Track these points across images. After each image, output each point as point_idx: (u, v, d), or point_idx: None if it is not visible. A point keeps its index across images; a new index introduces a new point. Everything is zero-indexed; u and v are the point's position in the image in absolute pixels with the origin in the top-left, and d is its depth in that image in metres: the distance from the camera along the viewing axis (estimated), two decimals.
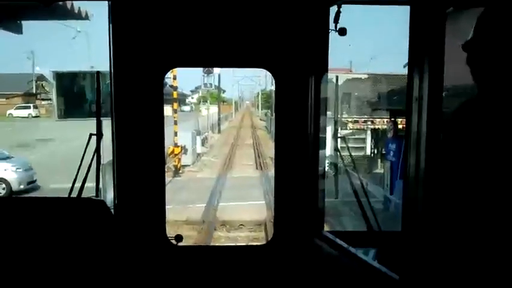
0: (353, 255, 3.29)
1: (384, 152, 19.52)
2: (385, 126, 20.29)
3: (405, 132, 2.61)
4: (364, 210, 4.14)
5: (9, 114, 50.82)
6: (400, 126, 16.09)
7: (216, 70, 37.80)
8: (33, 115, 51.13)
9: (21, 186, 19.81)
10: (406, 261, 2.61)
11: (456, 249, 2.26)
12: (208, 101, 50.51)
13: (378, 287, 2.95)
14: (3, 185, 19.86)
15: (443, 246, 2.35)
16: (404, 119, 2.69)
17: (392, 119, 17.42)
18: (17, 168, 20.15)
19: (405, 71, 2.61)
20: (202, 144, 34.05)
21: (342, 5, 3.55)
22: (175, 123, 26.88)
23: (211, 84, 39.20)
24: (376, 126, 22.68)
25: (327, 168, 4.15)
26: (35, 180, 20.54)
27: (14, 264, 3.54)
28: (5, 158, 20.95)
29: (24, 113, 51.02)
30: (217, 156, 32.42)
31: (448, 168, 2.34)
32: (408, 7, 2.55)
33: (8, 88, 53.37)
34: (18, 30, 6.48)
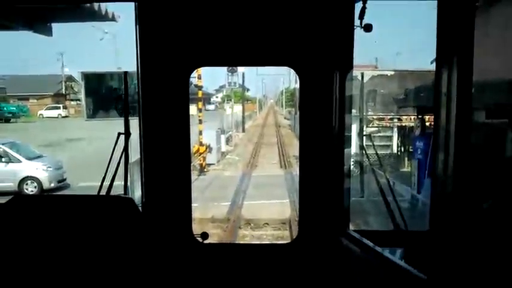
0: (379, 255, 3.24)
1: (410, 150, 19.15)
2: (411, 124, 19.90)
3: (433, 129, 2.56)
4: (391, 209, 4.09)
5: (39, 114, 52.34)
6: (427, 124, 15.74)
7: (240, 69, 37.93)
8: (63, 115, 52.51)
9: (52, 185, 20.38)
10: (434, 260, 2.56)
11: (485, 250, 2.21)
12: (232, 100, 50.68)
13: (404, 286, 2.91)
14: (35, 183, 20.49)
15: (472, 246, 2.30)
16: (432, 117, 2.64)
17: (420, 116, 17.06)
18: (48, 167, 20.75)
19: (433, 67, 2.56)
20: (227, 142, 34.21)
21: (368, 1, 3.51)
22: (200, 122, 27.11)
23: (235, 83, 39.31)
24: (403, 124, 22.26)
25: (352, 167, 4.11)
26: (65, 179, 21.10)
27: (45, 259, 3.65)
28: (36, 157, 21.62)
29: (54, 113, 52.44)
30: (241, 154, 32.51)
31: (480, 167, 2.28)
32: (435, 1, 2.50)
33: (39, 89, 55.00)
34: (48, 32, 6.66)
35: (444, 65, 2.41)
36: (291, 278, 3.86)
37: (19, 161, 20.68)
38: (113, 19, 6.75)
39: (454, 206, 2.39)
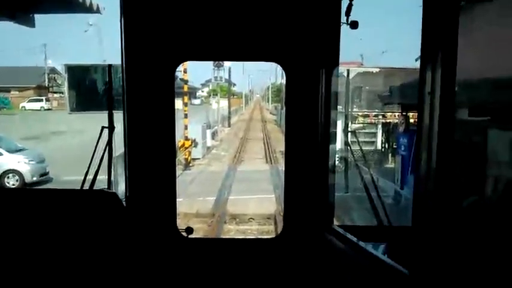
0: (363, 250, 3.28)
1: (395, 147, 19.39)
2: (396, 121, 20.13)
3: (417, 126, 2.59)
4: (375, 204, 4.13)
5: (22, 107, 51.45)
6: (411, 121, 15.94)
7: (227, 63, 37.82)
8: (46, 108, 51.67)
9: (34, 178, 20.08)
10: (416, 256, 2.60)
11: (467, 245, 2.25)
12: (218, 95, 50.55)
13: (387, 281, 2.95)
14: (17, 177, 20.15)
15: (454, 241, 2.34)
16: (416, 113, 2.67)
17: (404, 113, 17.26)
18: (30, 160, 20.42)
19: (418, 65, 2.58)
20: (213, 137, 34.12)
21: None
22: (186, 116, 26.97)
23: (221, 77, 39.20)
24: (388, 121, 22.50)
25: (337, 163, 4.15)
26: (48, 172, 20.80)
27: (28, 254, 3.60)
28: (18, 150, 21.25)
29: (36, 105, 51.58)
30: (227, 149, 32.47)
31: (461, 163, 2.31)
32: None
33: (21, 81, 53.98)
34: (31, 23, 6.52)
35: (428, 63, 2.44)
36: (276, 273, 3.88)
37: (0, 154, 20.31)
38: (98, 11, 6.65)
39: (437, 202, 2.43)
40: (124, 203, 3.81)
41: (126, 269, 3.64)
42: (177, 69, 3.96)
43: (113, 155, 4.21)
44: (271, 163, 27.09)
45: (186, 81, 27.88)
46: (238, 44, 3.76)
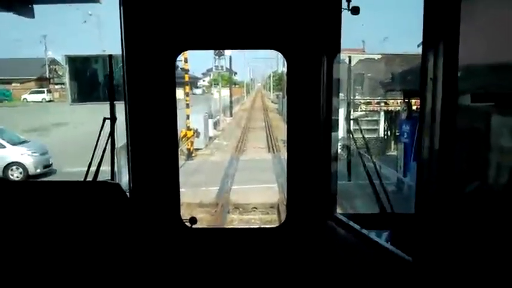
0: (366, 237, 3.29)
1: (397, 134, 19.36)
2: (398, 108, 20.07)
3: (419, 113, 2.57)
4: (377, 192, 4.13)
5: (23, 98, 51.44)
6: (414, 108, 15.88)
7: (228, 52, 37.61)
8: (47, 99, 51.63)
9: (38, 170, 20.16)
10: (419, 243, 2.60)
11: (470, 231, 2.25)
12: (219, 84, 50.35)
13: (390, 269, 2.96)
14: (20, 169, 20.23)
15: (457, 228, 2.34)
16: (418, 100, 2.64)
17: (406, 100, 17.18)
18: (33, 152, 20.49)
19: (420, 51, 2.55)
20: (215, 127, 34.08)
21: None
22: (187, 106, 26.93)
23: (222, 66, 39.03)
24: (390, 108, 22.42)
25: (339, 151, 4.13)
26: (51, 164, 20.87)
27: (33, 246, 3.62)
28: (22, 142, 21.31)
29: (38, 97, 51.53)
30: (229, 139, 32.47)
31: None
32: None
33: (22, 73, 53.87)
34: (30, 13, 6.48)
35: (430, 49, 2.42)
36: (279, 261, 3.90)
37: (3, 147, 20.37)
38: (97, 0, 6.60)
39: (440, 188, 2.42)
40: (127, 193, 3.82)
41: (131, 260, 3.67)
42: (178, 59, 3.94)
43: (116, 146, 4.21)
44: (274, 152, 27.10)
45: (187, 71, 27.76)
46: (239, 32, 3.73)
